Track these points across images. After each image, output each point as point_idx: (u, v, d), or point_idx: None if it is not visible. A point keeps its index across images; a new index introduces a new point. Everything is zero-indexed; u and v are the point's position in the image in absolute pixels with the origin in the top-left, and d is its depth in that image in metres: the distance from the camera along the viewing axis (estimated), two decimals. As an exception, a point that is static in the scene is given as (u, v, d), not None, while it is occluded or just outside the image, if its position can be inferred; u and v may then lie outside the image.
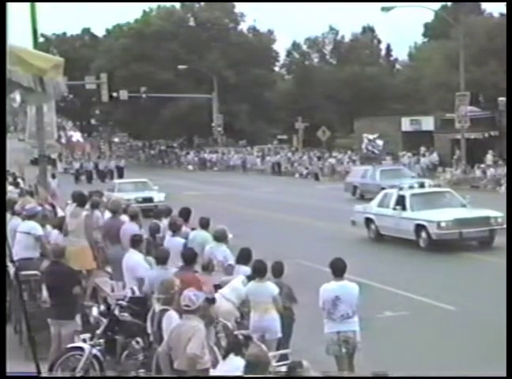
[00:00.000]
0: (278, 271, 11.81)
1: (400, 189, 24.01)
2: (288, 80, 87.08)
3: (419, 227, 22.12)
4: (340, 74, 77.63)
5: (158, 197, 32.28)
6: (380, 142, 53.52)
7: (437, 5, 72.98)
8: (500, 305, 15.70)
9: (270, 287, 11.13)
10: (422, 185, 24.37)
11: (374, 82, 75.81)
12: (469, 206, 23.13)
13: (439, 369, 11.55)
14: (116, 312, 11.35)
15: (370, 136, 54.21)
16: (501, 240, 20.84)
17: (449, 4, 77.08)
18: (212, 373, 8.61)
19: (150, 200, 31.28)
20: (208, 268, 12.16)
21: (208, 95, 72.52)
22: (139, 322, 11.18)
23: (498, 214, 21.94)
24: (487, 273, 18.79)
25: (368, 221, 24.59)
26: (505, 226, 21.43)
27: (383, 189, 35.19)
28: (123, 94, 65.91)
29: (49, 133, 26.63)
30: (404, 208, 22.87)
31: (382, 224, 23.87)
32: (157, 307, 9.93)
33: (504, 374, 6.73)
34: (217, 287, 11.69)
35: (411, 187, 24.05)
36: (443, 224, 21.54)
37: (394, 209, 23.22)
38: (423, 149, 52.59)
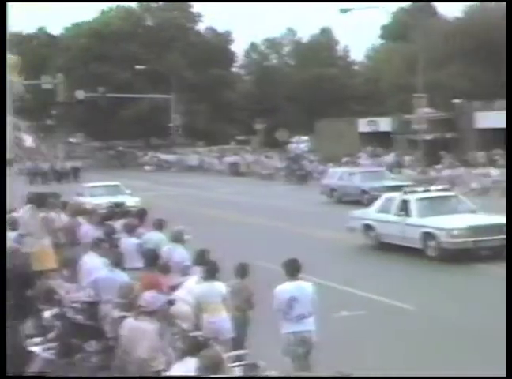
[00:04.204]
0: (241, 272, 11.83)
1: (404, 193, 22.49)
2: (247, 80, 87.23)
3: (427, 235, 20.42)
4: (300, 75, 78.00)
5: (131, 201, 30.63)
6: (304, 144, 53.51)
7: (394, 8, 73.84)
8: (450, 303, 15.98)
9: (220, 287, 11.15)
10: (427, 189, 22.98)
11: (334, 83, 76.34)
12: (479, 212, 21.81)
13: (396, 369, 11.64)
14: (70, 315, 11.27)
15: (300, 139, 54.17)
16: None
17: (406, 6, 77.74)
18: (166, 374, 8.59)
19: (123, 204, 28.81)
20: (164, 269, 12.13)
21: (166, 95, 72.31)
22: (93, 325, 11.11)
23: None
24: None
25: (367, 228, 22.88)
26: None
27: (363, 191, 35.41)
28: (80, 94, 65.43)
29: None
30: (408, 214, 21.29)
31: (384, 231, 22.13)
32: (116, 313, 9.86)
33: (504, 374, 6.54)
34: (173, 288, 11.67)
35: (414, 191, 22.75)
36: (456, 232, 19.89)
37: (398, 215, 21.59)
38: (380, 150, 53.05)
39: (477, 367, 11.91)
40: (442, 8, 79.96)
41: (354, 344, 13.22)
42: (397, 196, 22.48)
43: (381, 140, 54.57)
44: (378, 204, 23.27)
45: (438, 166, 44.31)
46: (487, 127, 47.94)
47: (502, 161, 44.27)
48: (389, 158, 50.63)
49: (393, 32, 76.20)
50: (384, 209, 22.49)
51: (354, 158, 50.51)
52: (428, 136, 46.90)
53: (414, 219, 20.99)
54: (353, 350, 12.85)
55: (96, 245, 13.05)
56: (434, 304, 16.05)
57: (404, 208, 21.44)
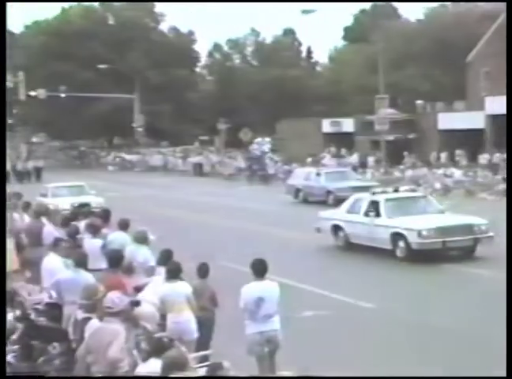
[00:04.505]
0: (203, 272, 11.84)
1: (373, 193, 22.42)
2: (210, 81, 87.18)
3: (397, 236, 20.29)
4: (263, 76, 78.12)
5: (96, 201, 29.96)
6: (265, 145, 53.65)
7: (356, 9, 74.33)
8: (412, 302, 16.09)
9: (183, 287, 11.14)
10: (396, 190, 22.87)
11: (296, 84, 76.45)
12: (448, 212, 21.81)
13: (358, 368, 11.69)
14: (33, 317, 11.15)
15: (261, 140, 54.29)
16: (482, 249, 20.28)
17: (368, 8, 78.43)
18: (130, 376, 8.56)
19: (87, 205, 27.23)
20: (128, 270, 12.06)
21: (129, 95, 72.01)
22: (57, 327, 11.01)
23: (483, 221, 20.46)
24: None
25: (336, 228, 22.65)
26: (490, 234, 20.17)
27: (329, 191, 35.47)
28: (41, 93, 64.89)
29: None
30: (378, 215, 21.09)
31: (353, 232, 22.01)
32: (80, 314, 9.78)
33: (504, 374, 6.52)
34: (137, 289, 11.60)
35: (383, 192, 22.64)
36: (425, 232, 19.78)
37: (367, 215, 21.37)
38: (343, 151, 53.29)
39: (438, 365, 12.01)
40: (403, 10, 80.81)
41: (317, 344, 13.25)
42: (366, 196, 22.36)
43: (344, 140, 54.83)
44: (346, 204, 23.13)
45: (401, 167, 44.65)
46: (449, 128, 48.38)
47: (464, 161, 44.79)
48: (353, 158, 50.92)
49: (355, 34, 76.68)
50: (353, 210, 22.36)
51: (317, 158, 50.69)
52: (391, 137, 47.25)
53: (383, 220, 20.89)
54: (316, 349, 12.88)
55: (56, 246, 12.94)
56: (398, 303, 16.13)
57: (373, 208, 21.29)
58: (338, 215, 22.96)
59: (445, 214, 21.50)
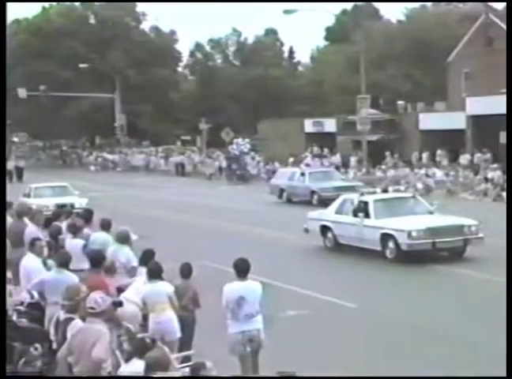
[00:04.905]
0: (186, 272, 11.83)
1: (362, 194, 22.22)
2: (192, 80, 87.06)
3: (386, 237, 20.13)
4: (244, 75, 78.16)
5: (79, 202, 29.49)
6: (244, 145, 53.77)
7: (338, 10, 74.51)
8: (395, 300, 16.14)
9: (165, 286, 11.15)
10: (385, 191, 22.92)
11: (278, 84, 76.55)
12: (437, 213, 21.58)
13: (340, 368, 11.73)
14: (14, 317, 11.11)
15: (240, 140, 54.42)
16: (472, 250, 20.24)
17: (349, 8, 78.70)
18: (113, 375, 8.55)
19: (71, 206, 27.00)
20: (110, 270, 12.03)
21: (110, 94, 71.79)
22: (38, 327, 10.97)
23: (472, 222, 20.36)
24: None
25: (324, 229, 22.47)
26: (480, 235, 20.08)
27: (313, 191, 35.50)
28: (22, 92, 64.58)
29: None
30: (367, 216, 20.90)
31: (341, 233, 21.84)
32: (62, 315, 9.75)
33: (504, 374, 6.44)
34: (119, 289, 11.57)
35: (372, 192, 22.57)
36: (414, 233, 19.64)
37: (356, 216, 21.17)
38: (325, 151, 53.39)
39: (419, 364, 12.06)
40: (384, 11, 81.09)
41: (298, 343, 13.29)
42: (355, 197, 22.14)
43: (326, 140, 54.93)
44: (335, 205, 22.90)
45: (383, 167, 44.77)
46: (430, 128, 48.55)
47: (445, 161, 44.97)
48: (335, 158, 51.04)
49: (337, 34, 76.87)
50: (341, 210, 22.17)
51: (300, 158, 50.79)
52: (372, 137, 47.31)
53: (372, 221, 20.73)
54: (298, 348, 12.92)
55: (32, 246, 12.88)
56: (382, 303, 16.16)
57: (362, 209, 21.10)
58: (327, 215, 22.76)
59: (434, 215, 21.35)
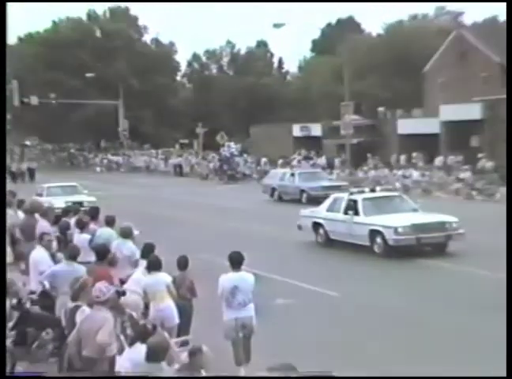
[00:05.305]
0: (183, 264, 11.87)
1: (351, 193, 22.02)
2: (189, 88, 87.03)
3: (374, 233, 20.00)
4: (237, 84, 78.17)
5: (88, 200, 29.41)
6: (235, 148, 53.89)
7: (323, 24, 74.58)
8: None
9: (164, 277, 11.20)
10: (372, 190, 22.57)
11: (268, 92, 76.61)
12: (421, 211, 21.44)
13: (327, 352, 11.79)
14: (27, 305, 11.15)
15: (232, 144, 54.58)
16: (454, 245, 20.10)
17: (333, 22, 78.77)
18: (119, 359, 8.57)
19: (80, 204, 26.79)
20: (114, 262, 12.08)
21: (114, 101, 71.70)
22: (49, 314, 11.01)
23: (454, 219, 20.20)
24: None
25: (316, 226, 22.30)
26: (461, 231, 19.90)
27: (302, 190, 35.47)
28: (34, 99, 64.47)
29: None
30: (356, 213, 20.75)
31: (332, 229, 21.63)
32: (70, 303, 9.79)
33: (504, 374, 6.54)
34: (123, 280, 11.61)
35: (361, 191, 22.23)
36: (401, 230, 19.52)
37: (346, 214, 21.05)
38: (312, 153, 53.42)
39: (393, 345, 12.13)
40: (366, 25, 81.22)
41: (287, 328, 13.34)
42: (345, 196, 22.01)
43: (312, 143, 55.00)
44: (326, 203, 22.70)
45: (365, 168, 44.85)
46: (407, 133, 48.68)
47: (421, 163, 45.07)
48: (321, 160, 51.09)
49: (322, 46, 76.94)
50: (333, 208, 21.98)
51: (288, 160, 50.83)
52: (355, 141, 47.43)
53: (361, 218, 20.57)
54: (287, 333, 12.97)
55: (41, 240, 12.93)
56: (363, 293, 16.15)
57: (352, 207, 20.96)
58: (318, 213, 22.58)
59: (418, 212, 21.23)
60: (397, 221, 19.86)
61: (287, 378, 5.48)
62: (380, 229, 19.89)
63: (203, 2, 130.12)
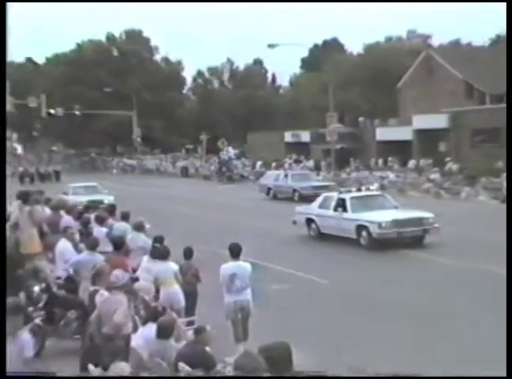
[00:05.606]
0: (188, 254, 11.88)
1: (340, 192, 21.95)
2: (194, 100, 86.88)
3: (361, 227, 19.99)
4: (236, 96, 78.05)
5: (107, 199, 29.21)
6: (232, 152, 53.87)
7: (311, 44, 74.54)
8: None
9: (172, 265, 11.20)
10: (359, 189, 22.46)
11: (263, 103, 76.56)
12: (401, 208, 21.35)
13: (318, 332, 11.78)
14: (54, 289, 11.15)
15: (230, 149, 54.55)
16: (431, 238, 19.98)
17: (320, 43, 78.76)
18: (134, 337, 8.57)
19: (100, 202, 27.18)
20: (128, 252, 12.10)
21: (129, 112, 71.67)
22: (73, 297, 11.02)
23: (430, 215, 20.13)
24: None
25: (309, 221, 22.26)
26: (436, 225, 19.77)
27: (294, 190, 35.27)
28: (59, 111, 64.51)
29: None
30: (344, 210, 20.66)
31: (324, 224, 21.59)
32: (91, 287, 9.80)
33: (504, 374, 6.32)
34: (133, 269, 11.60)
35: (348, 191, 22.10)
36: (384, 224, 19.48)
37: (335, 211, 20.96)
38: (302, 157, 53.38)
39: (377, 330, 12.13)
40: (348, 46, 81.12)
41: (281, 311, 13.34)
42: (335, 195, 21.94)
43: (302, 148, 54.94)
44: (318, 201, 22.55)
45: (348, 170, 44.87)
46: (385, 139, 48.69)
47: (396, 166, 45.12)
48: (309, 163, 51.06)
49: (310, 64, 76.90)
50: (324, 206, 21.90)
51: (281, 163, 50.82)
52: (339, 146, 47.40)
53: (349, 214, 20.52)
54: (280, 315, 12.97)
55: (65, 232, 12.98)
56: (349, 280, 16.13)
57: (341, 204, 20.93)
58: (311, 210, 22.53)
59: (399, 209, 21.14)
60: (381, 217, 19.85)
61: (287, 378, 5.26)
62: (366, 224, 19.90)
63: (206, 26, 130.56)
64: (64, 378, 7.38)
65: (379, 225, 19.54)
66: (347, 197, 21.20)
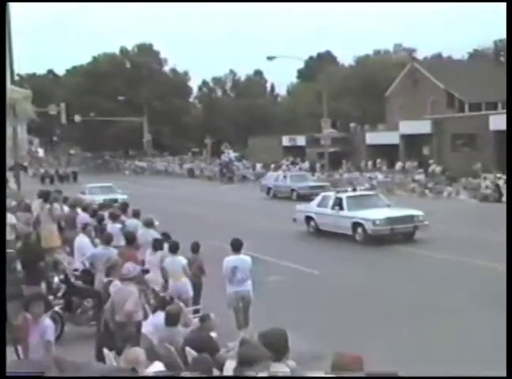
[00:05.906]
0: (195, 248, 11.87)
1: (337, 192, 21.83)
2: (200, 108, 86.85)
3: (356, 224, 19.84)
4: (238, 104, 78.03)
5: (121, 198, 28.60)
6: (233, 155, 53.84)
7: (306, 56, 74.45)
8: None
9: (181, 259, 11.20)
10: (354, 189, 22.37)
11: (263, 110, 76.53)
12: (393, 206, 21.19)
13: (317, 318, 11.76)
14: (72, 280, 11.16)
15: (231, 152, 54.50)
16: (421, 234, 19.78)
17: (314, 55, 78.66)
18: (144, 324, 8.58)
19: (115, 201, 26.54)
20: (138, 246, 12.11)
21: (140, 119, 71.69)
22: (89, 287, 11.03)
23: (420, 213, 20.00)
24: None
25: (308, 219, 22.06)
26: (426, 222, 19.64)
27: (292, 189, 35.13)
28: (77, 118, 64.58)
29: (22, 147, 25.79)
30: (341, 208, 20.50)
31: (322, 221, 21.41)
32: (105, 278, 9.82)
33: (504, 374, 6.11)
34: (143, 262, 11.61)
35: (345, 190, 21.93)
36: (378, 222, 19.39)
37: (333, 209, 20.79)
38: (298, 159, 53.32)
39: (369, 320, 12.12)
40: (340, 58, 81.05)
41: (278, 299, 13.33)
42: (332, 194, 21.79)
43: (298, 152, 54.91)
44: (317, 200, 22.33)
45: (340, 171, 44.84)
46: (374, 143, 48.68)
47: (384, 167, 45.09)
48: (305, 165, 51.02)
49: (306, 74, 76.80)
50: (322, 204, 21.72)
51: (279, 164, 50.77)
52: (332, 150, 47.37)
53: (346, 212, 20.39)
54: (278, 303, 12.96)
55: (83, 229, 13.04)
56: (341, 272, 16.06)
57: (338, 203, 20.78)
58: (310, 208, 22.36)
59: (391, 207, 21.01)
60: (375, 215, 19.71)
61: (286, 378, 5.19)
62: (361, 221, 19.79)
63: (211, 39, 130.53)
64: (63, 378, 7.35)
65: (373, 222, 19.45)
66: (343, 196, 21.08)
